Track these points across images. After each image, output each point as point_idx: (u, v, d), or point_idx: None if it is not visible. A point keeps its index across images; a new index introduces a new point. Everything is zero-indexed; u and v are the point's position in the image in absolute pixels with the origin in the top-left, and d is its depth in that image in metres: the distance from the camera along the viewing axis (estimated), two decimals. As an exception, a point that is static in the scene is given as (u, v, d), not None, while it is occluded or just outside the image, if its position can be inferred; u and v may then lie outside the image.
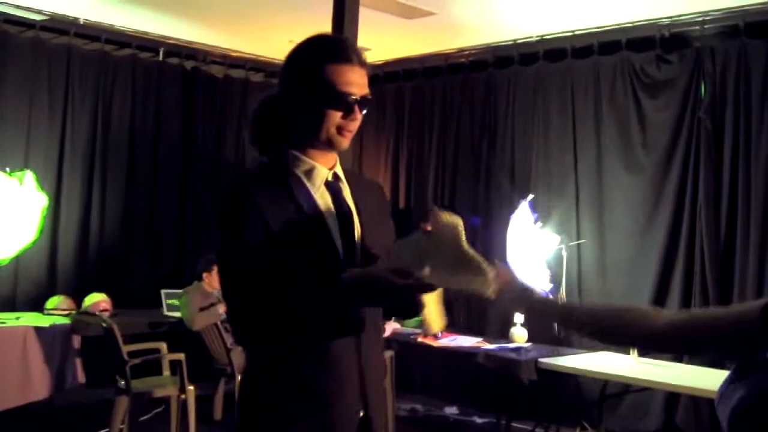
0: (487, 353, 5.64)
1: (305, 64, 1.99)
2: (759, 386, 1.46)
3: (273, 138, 2.06)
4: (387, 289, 1.80)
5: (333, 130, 1.97)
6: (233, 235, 1.90)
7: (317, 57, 1.97)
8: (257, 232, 1.88)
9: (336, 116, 1.96)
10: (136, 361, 5.50)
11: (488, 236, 7.02)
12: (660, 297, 6.07)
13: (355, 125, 2.00)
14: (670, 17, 6.17)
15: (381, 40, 7.34)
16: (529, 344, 5.89)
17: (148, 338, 6.20)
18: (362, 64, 2.00)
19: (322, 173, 2.03)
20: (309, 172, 2.02)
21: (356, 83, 1.97)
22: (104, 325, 5.58)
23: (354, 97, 1.96)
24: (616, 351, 5.61)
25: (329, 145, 2.00)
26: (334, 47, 2.00)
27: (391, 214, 2.32)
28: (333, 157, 2.08)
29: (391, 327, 6.35)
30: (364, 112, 2.00)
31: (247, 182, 2.03)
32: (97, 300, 6.43)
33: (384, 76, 8.24)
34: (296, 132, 2.03)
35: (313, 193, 2.00)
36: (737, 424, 1.46)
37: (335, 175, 2.07)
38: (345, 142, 2.01)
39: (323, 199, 2.02)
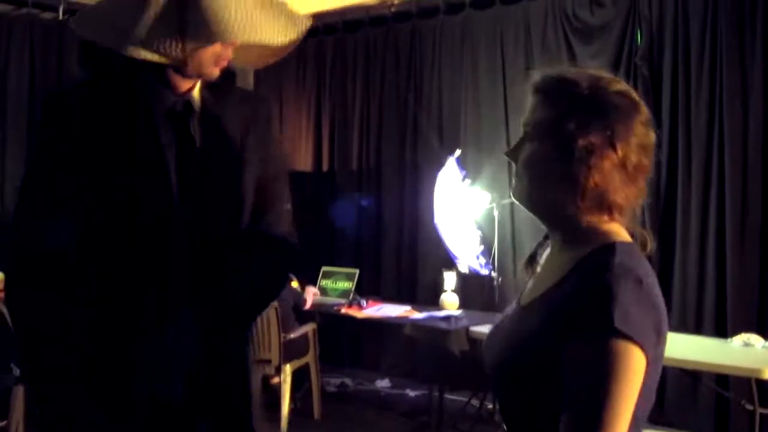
0: (415, 324, 5.23)
1: None
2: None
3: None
4: None
5: None
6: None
7: None
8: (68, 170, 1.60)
9: None
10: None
11: (417, 199, 6.60)
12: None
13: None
14: (604, -44, 5.75)
15: (296, -10, 6.82)
16: (460, 311, 5.49)
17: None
18: None
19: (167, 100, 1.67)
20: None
21: None
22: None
23: None
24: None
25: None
26: None
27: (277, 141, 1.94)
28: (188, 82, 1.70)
29: (311, 296, 5.89)
30: None
31: (72, 98, 1.67)
32: (-12, 278, 5.83)
33: (303, 30, 7.68)
34: None
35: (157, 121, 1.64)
36: None
37: (186, 104, 1.68)
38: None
39: (164, 131, 1.65)
